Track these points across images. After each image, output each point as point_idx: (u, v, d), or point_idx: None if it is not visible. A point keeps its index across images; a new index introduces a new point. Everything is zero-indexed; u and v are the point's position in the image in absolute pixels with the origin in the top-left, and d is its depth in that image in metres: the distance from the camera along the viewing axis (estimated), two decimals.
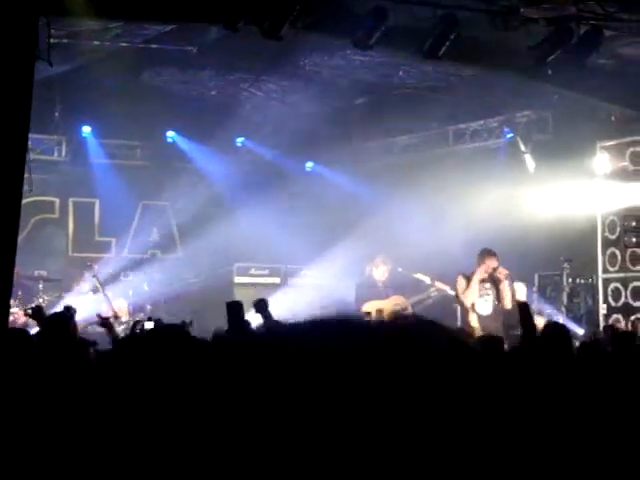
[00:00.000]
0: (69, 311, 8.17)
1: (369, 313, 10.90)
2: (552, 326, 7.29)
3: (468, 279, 11.86)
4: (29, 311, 8.14)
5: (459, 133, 15.84)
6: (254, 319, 7.99)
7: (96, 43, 12.37)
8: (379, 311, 11.34)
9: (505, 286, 11.67)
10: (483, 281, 11.83)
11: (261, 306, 7.69)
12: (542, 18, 10.16)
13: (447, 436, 1.27)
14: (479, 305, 11.75)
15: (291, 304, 13.79)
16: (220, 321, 7.80)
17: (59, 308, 11.52)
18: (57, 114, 14.96)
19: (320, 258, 15.42)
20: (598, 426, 4.53)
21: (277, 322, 7.20)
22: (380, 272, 13.46)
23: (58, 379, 4.75)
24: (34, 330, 8.14)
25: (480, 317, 11.59)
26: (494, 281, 11.76)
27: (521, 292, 11.96)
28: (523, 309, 8.04)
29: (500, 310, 11.54)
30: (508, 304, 11.40)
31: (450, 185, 14.36)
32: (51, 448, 3.28)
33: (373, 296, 13.26)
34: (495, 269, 11.79)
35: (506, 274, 11.80)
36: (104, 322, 8.65)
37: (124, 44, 12.61)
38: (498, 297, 11.64)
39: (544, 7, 9.59)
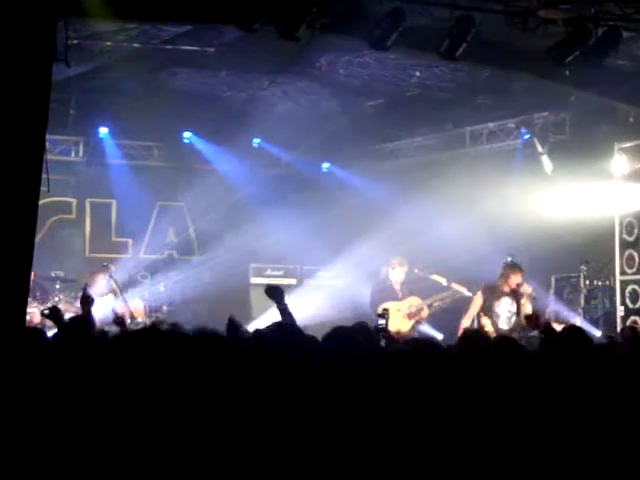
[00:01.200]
0: (88, 299, 8.10)
1: (386, 310, 10.79)
2: (570, 329, 7.24)
3: (489, 291, 11.83)
4: (46, 311, 8.14)
5: (476, 134, 15.80)
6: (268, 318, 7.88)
7: (113, 44, 12.40)
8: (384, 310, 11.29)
9: (526, 304, 11.63)
10: (505, 295, 11.78)
11: (275, 293, 7.33)
12: (560, 19, 10.12)
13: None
14: (500, 320, 11.73)
15: (307, 305, 13.79)
16: None
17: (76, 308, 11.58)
18: (73, 115, 14.98)
19: (336, 259, 15.41)
20: (613, 425, 4.52)
21: (292, 318, 7.08)
22: (396, 273, 13.44)
23: (74, 381, 4.75)
24: (51, 331, 8.15)
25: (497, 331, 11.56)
26: (517, 298, 11.69)
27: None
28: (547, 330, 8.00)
29: (517, 325, 11.52)
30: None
31: (466, 186, 14.33)
32: (60, 446, 3.29)
33: (389, 297, 13.24)
34: (519, 285, 11.72)
35: (529, 294, 11.76)
36: (118, 320, 8.64)
37: (141, 45, 12.64)
38: (518, 312, 11.58)
39: (562, 8, 9.55)
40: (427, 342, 6.03)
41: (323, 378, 3.90)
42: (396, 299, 13.32)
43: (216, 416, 3.44)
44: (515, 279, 11.67)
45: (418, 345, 5.70)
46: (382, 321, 8.72)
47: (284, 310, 7.12)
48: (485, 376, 5.07)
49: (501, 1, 10.26)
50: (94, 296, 8.51)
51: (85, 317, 7.73)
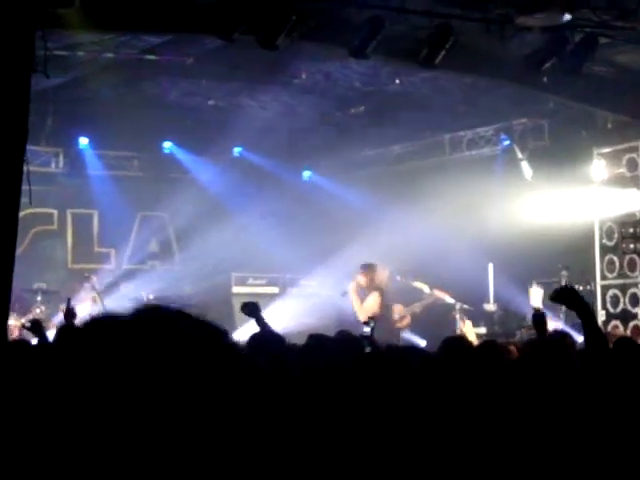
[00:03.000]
0: (72, 312, 8.08)
1: (372, 317, 10.81)
2: (556, 334, 7.26)
3: None
4: (27, 324, 8.11)
5: (456, 141, 15.86)
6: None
7: (92, 55, 12.39)
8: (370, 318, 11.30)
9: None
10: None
11: (252, 310, 7.37)
12: (537, 27, 10.19)
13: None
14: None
15: (290, 314, 13.80)
16: None
17: (58, 320, 11.54)
18: (51, 126, 14.94)
19: (319, 267, 15.40)
20: (598, 430, 4.54)
21: (270, 330, 7.10)
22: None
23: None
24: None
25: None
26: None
27: (537, 297, 11.92)
28: (538, 317, 7.99)
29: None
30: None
31: (447, 193, 14.37)
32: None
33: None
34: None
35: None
36: None
37: (120, 55, 12.63)
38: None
39: (538, 16, 9.61)
40: (409, 349, 6.05)
41: (301, 386, 3.91)
42: None
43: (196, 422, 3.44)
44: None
45: (399, 352, 5.72)
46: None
47: (263, 325, 7.15)
48: (467, 382, 5.09)
49: (479, 9, 10.31)
50: (76, 308, 8.49)
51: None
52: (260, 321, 7.12)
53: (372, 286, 12.82)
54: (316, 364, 4.65)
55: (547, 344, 6.33)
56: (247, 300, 7.67)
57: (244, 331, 8.14)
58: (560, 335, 6.70)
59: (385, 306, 12.74)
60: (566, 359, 6.00)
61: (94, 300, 13.64)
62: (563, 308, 13.84)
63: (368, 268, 12.89)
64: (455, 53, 10.86)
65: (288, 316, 13.37)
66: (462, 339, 8.30)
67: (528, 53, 10.87)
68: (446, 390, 4.93)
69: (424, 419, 4.30)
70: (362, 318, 11.34)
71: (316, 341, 5.97)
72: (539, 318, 7.92)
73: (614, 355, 7.39)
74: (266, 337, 6.35)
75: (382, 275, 13.01)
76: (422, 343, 12.08)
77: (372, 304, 12.54)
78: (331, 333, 6.72)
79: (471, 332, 11.86)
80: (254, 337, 6.07)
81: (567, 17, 9.58)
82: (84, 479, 1.25)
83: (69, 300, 9.02)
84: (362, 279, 12.84)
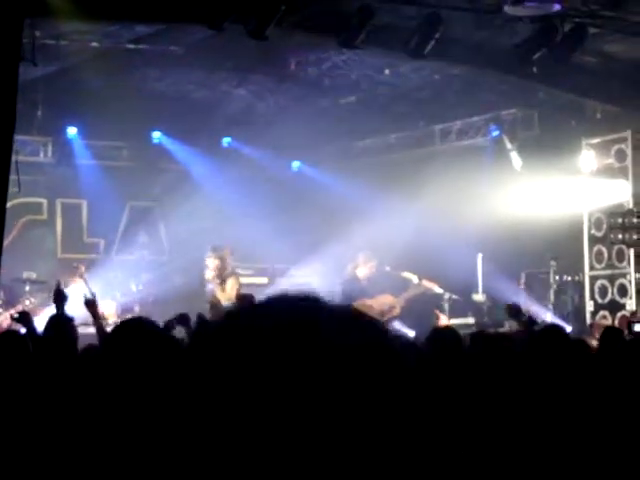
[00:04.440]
0: (62, 296, 8.04)
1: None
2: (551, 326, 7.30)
3: None
4: (16, 315, 8.08)
5: (445, 131, 15.87)
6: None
7: (81, 44, 12.35)
8: (369, 306, 11.30)
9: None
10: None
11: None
12: (526, 16, 10.19)
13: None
14: None
15: None
16: None
17: (48, 310, 11.50)
18: (41, 115, 14.90)
19: (308, 257, 15.41)
20: (588, 421, 4.56)
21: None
22: (362, 270, 13.50)
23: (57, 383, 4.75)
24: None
25: None
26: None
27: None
28: (512, 310, 8.06)
29: None
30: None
31: (437, 183, 14.37)
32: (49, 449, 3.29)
33: (359, 295, 13.26)
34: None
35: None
36: (88, 303, 8.61)
37: (109, 45, 12.59)
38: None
39: (528, 5, 9.62)
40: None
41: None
42: (366, 296, 13.35)
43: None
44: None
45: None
46: None
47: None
48: (457, 373, 5.10)
49: None
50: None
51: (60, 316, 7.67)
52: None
53: (227, 270, 12.43)
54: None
55: (538, 339, 6.35)
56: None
57: None
58: (551, 328, 6.73)
59: (242, 295, 11.95)
60: (556, 352, 6.03)
61: (83, 290, 13.61)
62: (552, 299, 13.92)
63: (218, 251, 12.37)
64: (444, 43, 10.87)
65: None
66: (450, 330, 8.33)
67: (517, 43, 10.87)
68: (435, 381, 4.94)
69: (413, 412, 4.29)
70: (225, 303, 11.37)
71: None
72: (513, 310, 8.08)
73: (601, 346, 7.42)
74: None
75: (230, 259, 12.70)
76: (411, 334, 12.10)
77: (232, 290, 12.19)
78: None
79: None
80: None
81: (557, 7, 9.59)
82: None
83: (59, 282, 8.98)
84: (215, 262, 12.32)
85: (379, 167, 16.10)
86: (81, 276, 13.51)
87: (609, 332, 7.95)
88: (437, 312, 11.97)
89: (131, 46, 12.68)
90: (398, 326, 13.09)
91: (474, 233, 13.87)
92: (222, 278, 12.22)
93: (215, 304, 11.62)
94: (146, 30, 12.26)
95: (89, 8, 10.02)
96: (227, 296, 11.99)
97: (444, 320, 11.84)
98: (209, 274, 12.54)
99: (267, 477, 1.14)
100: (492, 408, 4.55)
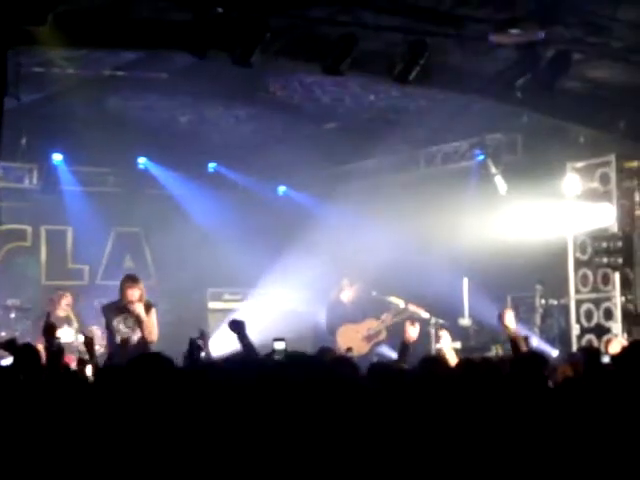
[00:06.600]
0: (51, 327, 8.01)
1: (350, 348, 10.97)
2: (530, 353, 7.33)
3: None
4: (2, 342, 8.04)
5: (430, 156, 15.90)
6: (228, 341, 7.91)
7: (66, 71, 12.33)
8: (348, 349, 11.23)
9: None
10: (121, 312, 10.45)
11: (238, 327, 7.61)
12: (511, 43, 10.24)
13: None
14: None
15: (264, 328, 13.75)
16: None
17: (32, 336, 11.44)
18: (25, 141, 14.86)
19: (295, 282, 15.41)
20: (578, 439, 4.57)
21: (251, 346, 7.23)
22: (347, 294, 13.54)
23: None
24: (6, 361, 8.06)
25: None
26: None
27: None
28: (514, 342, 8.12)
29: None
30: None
31: (422, 208, 14.42)
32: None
33: (345, 320, 13.28)
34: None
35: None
36: (87, 341, 8.61)
37: (94, 72, 12.58)
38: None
39: (512, 33, 9.67)
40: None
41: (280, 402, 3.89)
42: (352, 321, 13.36)
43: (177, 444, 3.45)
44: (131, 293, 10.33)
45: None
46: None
47: (247, 343, 7.30)
48: (446, 398, 5.10)
49: (453, 26, 10.35)
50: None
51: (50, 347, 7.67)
52: (245, 340, 7.29)
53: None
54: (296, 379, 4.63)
55: (521, 363, 6.37)
56: (222, 315, 7.80)
57: (217, 346, 8.20)
58: (533, 355, 6.75)
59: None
60: (539, 377, 6.07)
61: (68, 317, 13.57)
62: (538, 322, 13.93)
63: (134, 279, 10.67)
64: (429, 69, 10.90)
65: (262, 330, 13.33)
66: (439, 356, 8.35)
67: (501, 69, 10.92)
68: (424, 406, 4.94)
69: (401, 436, 4.31)
70: (154, 337, 10.23)
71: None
72: (514, 343, 8.16)
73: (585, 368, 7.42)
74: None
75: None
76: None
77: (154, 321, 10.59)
78: (308, 348, 6.75)
79: (448, 346, 11.79)
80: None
81: (541, 35, 9.65)
82: None
83: (48, 315, 8.94)
84: (137, 293, 10.47)
85: (365, 192, 16.12)
86: (67, 304, 13.48)
87: (593, 355, 8.02)
88: (408, 323, 11.45)
89: (115, 73, 12.68)
90: (385, 351, 13.10)
91: (460, 257, 13.90)
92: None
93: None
94: (130, 56, 12.26)
95: (73, 36, 10.01)
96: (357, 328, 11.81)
97: (446, 338, 11.58)
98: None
99: None
100: (472, 435, 4.56)
